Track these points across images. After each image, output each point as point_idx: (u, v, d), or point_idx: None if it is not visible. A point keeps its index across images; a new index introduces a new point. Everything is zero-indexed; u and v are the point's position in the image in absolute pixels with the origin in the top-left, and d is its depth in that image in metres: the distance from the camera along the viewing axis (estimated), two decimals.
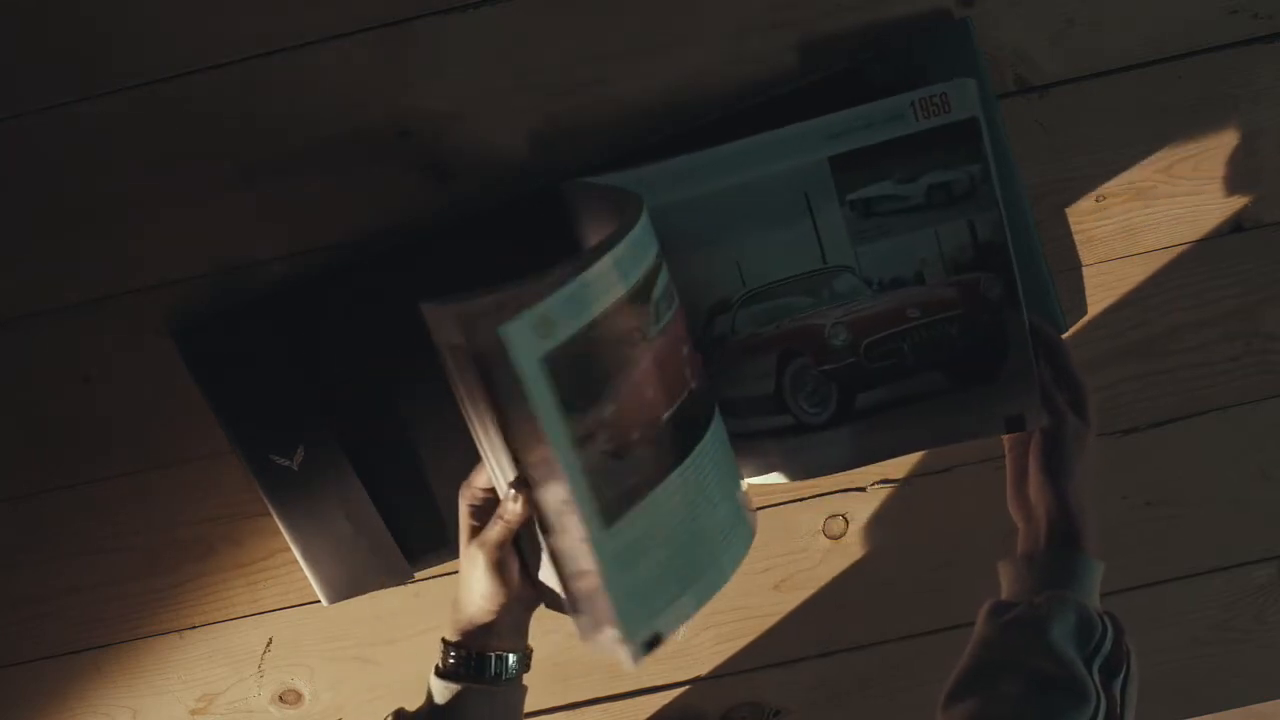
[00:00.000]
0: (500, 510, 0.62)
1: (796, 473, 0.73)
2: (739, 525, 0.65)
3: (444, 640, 0.67)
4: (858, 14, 0.71)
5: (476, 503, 0.66)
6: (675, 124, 0.71)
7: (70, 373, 0.76)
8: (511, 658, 0.66)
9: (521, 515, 0.61)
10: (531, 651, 0.69)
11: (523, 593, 0.66)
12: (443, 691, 0.66)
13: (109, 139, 0.71)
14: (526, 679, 0.69)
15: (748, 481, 0.72)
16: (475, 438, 0.62)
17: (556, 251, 0.59)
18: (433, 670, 0.67)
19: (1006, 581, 0.67)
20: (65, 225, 0.73)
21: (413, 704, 0.68)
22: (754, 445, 0.71)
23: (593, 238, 0.67)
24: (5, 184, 0.72)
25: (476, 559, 0.64)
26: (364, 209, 0.73)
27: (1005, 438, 0.71)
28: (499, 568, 0.64)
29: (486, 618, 0.66)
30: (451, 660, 0.66)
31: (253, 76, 0.70)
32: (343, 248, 0.73)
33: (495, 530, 0.63)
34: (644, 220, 0.60)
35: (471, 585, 0.65)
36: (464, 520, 0.66)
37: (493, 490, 0.65)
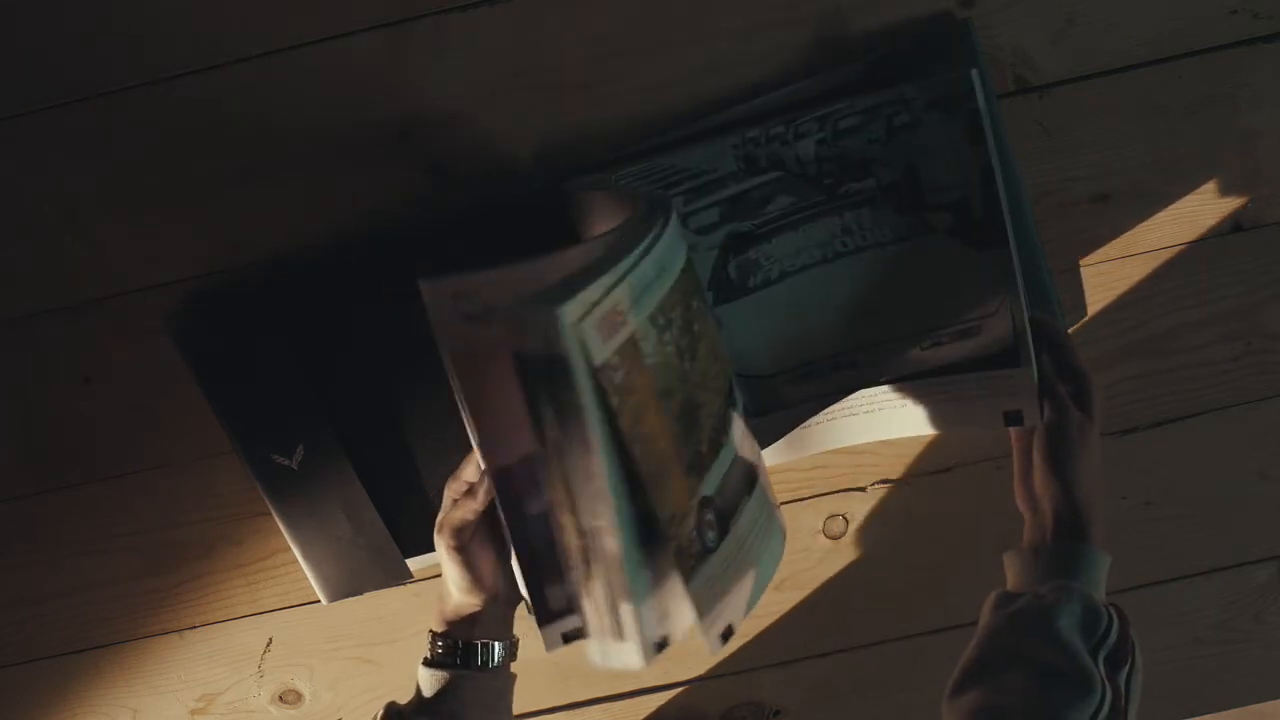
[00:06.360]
0: (468, 494, 0.63)
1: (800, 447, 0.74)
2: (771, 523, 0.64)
3: (431, 631, 0.67)
4: (858, 15, 0.71)
5: (458, 496, 0.65)
6: (674, 125, 0.71)
7: (70, 373, 0.76)
8: (497, 646, 0.67)
9: (482, 502, 0.61)
10: (518, 641, 0.69)
11: (501, 588, 0.66)
12: (431, 681, 0.66)
13: (109, 139, 0.71)
14: (531, 677, 0.69)
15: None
16: (467, 425, 0.61)
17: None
18: (421, 663, 0.67)
19: (1012, 573, 0.67)
20: (65, 225, 0.73)
21: None
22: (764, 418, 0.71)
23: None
24: (5, 184, 0.72)
25: (438, 544, 0.65)
26: (364, 209, 0.73)
27: (1012, 429, 0.71)
28: (461, 554, 0.64)
29: (468, 609, 0.66)
30: (439, 650, 0.67)
31: (253, 76, 0.70)
32: (343, 248, 0.73)
33: (455, 513, 0.63)
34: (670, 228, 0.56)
35: (446, 573, 0.66)
36: (443, 510, 0.66)
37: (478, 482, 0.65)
